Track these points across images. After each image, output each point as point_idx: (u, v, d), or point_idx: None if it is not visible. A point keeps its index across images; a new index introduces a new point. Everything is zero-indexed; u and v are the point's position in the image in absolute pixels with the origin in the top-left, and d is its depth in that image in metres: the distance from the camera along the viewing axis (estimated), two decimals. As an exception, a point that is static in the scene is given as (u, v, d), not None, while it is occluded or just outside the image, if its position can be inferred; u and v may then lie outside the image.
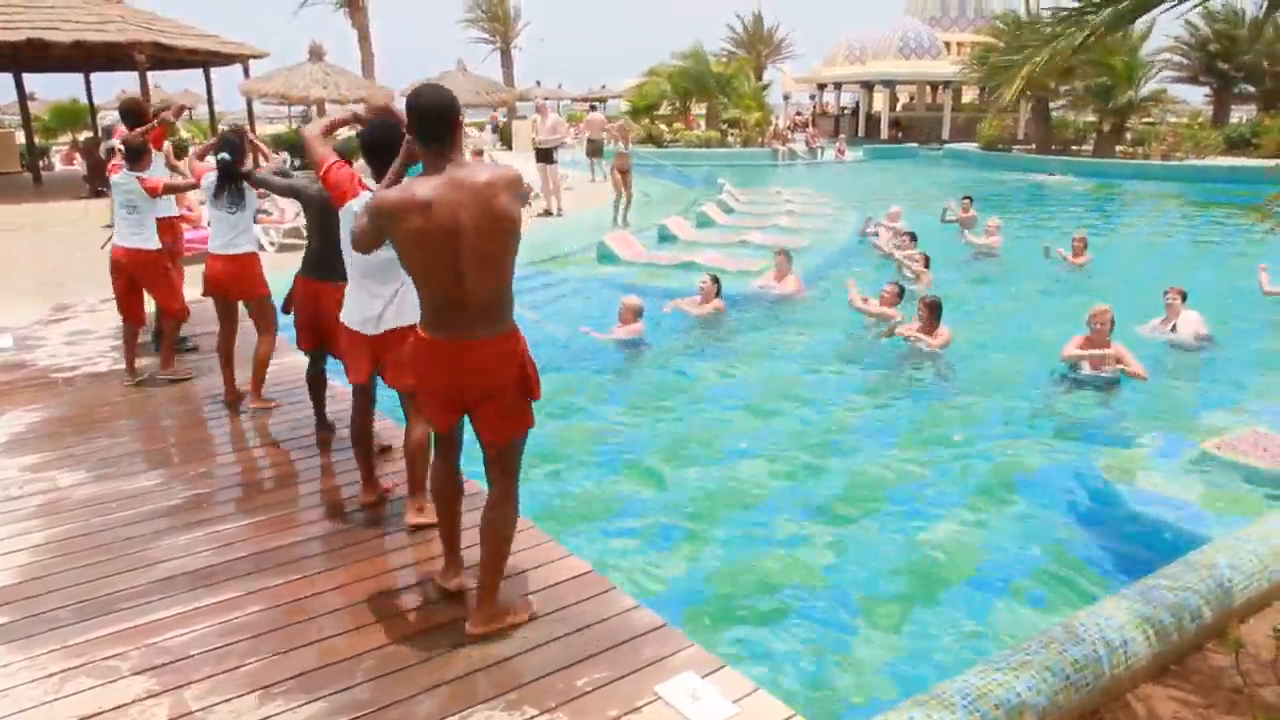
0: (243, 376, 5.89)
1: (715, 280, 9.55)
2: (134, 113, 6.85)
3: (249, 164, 6.00)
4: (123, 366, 6.69)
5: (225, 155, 5.55)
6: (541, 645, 3.25)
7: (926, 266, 10.83)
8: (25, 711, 2.94)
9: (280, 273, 7.30)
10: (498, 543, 3.27)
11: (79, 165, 13.88)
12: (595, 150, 21.20)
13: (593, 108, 31.53)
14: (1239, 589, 3.72)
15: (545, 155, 16.86)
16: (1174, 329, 8.28)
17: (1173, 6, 3.75)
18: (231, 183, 5.56)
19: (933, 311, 8.12)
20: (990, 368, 7.96)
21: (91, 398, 6.10)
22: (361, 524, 4.21)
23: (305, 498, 4.54)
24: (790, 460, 5.90)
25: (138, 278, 6.31)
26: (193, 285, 9.08)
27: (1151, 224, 17.69)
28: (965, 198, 14.72)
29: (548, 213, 16.73)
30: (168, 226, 6.68)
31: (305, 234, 4.95)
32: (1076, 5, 3.94)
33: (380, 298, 3.94)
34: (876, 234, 13.61)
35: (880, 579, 4.48)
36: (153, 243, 6.27)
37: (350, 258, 3.93)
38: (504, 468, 3.25)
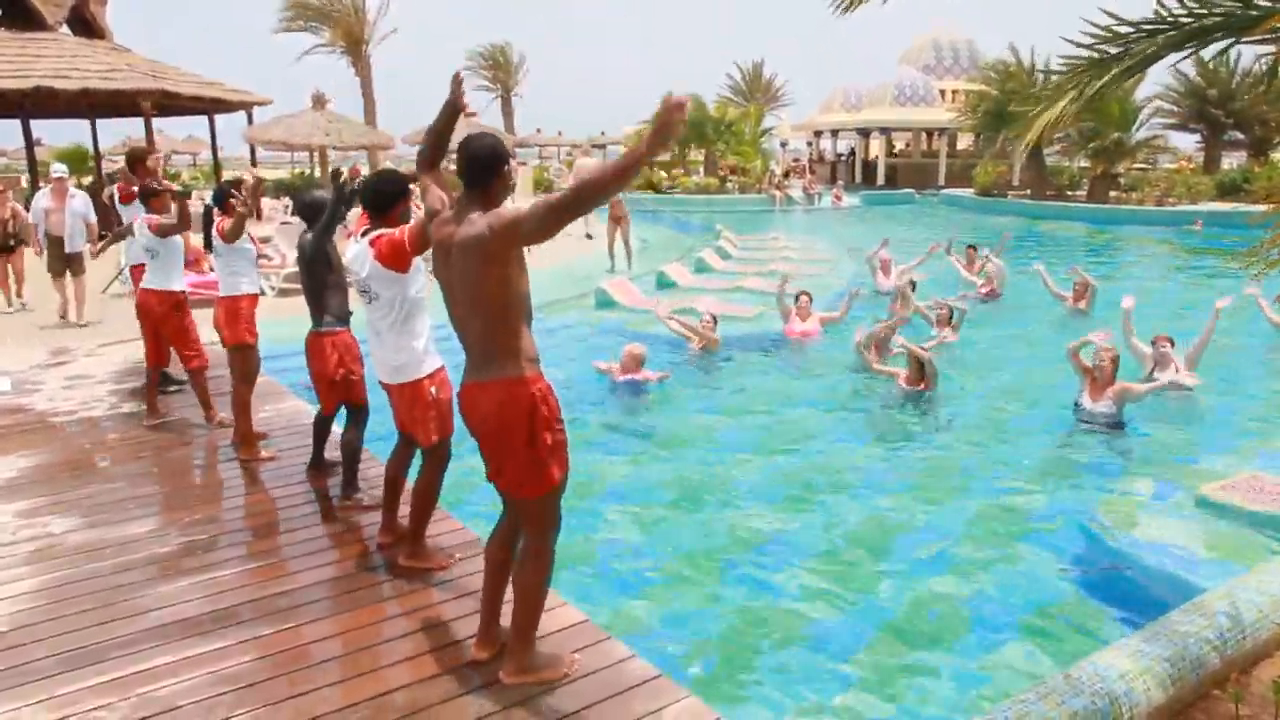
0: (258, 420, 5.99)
1: (714, 319, 9.91)
2: (135, 161, 7.41)
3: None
4: (121, 410, 6.70)
5: (208, 202, 5.72)
6: (536, 697, 3.20)
7: (952, 319, 10.60)
8: (9, 765, 2.90)
9: (277, 316, 7.31)
10: (521, 598, 3.20)
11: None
12: None
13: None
14: (1240, 637, 3.68)
15: None
16: (1166, 373, 8.28)
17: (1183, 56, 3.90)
18: (206, 229, 5.67)
19: (921, 368, 8.10)
20: (991, 412, 7.95)
21: (87, 442, 6.08)
22: (355, 572, 4.18)
23: (299, 545, 4.50)
24: (791, 506, 5.87)
25: (156, 320, 6.20)
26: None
27: (1147, 268, 17.78)
28: (969, 247, 14.70)
29: (588, 236, 19.00)
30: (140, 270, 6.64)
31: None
32: (1093, 56, 4.01)
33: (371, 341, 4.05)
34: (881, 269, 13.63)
35: (879, 628, 4.43)
36: (161, 283, 6.13)
37: None
38: (527, 522, 3.17)
